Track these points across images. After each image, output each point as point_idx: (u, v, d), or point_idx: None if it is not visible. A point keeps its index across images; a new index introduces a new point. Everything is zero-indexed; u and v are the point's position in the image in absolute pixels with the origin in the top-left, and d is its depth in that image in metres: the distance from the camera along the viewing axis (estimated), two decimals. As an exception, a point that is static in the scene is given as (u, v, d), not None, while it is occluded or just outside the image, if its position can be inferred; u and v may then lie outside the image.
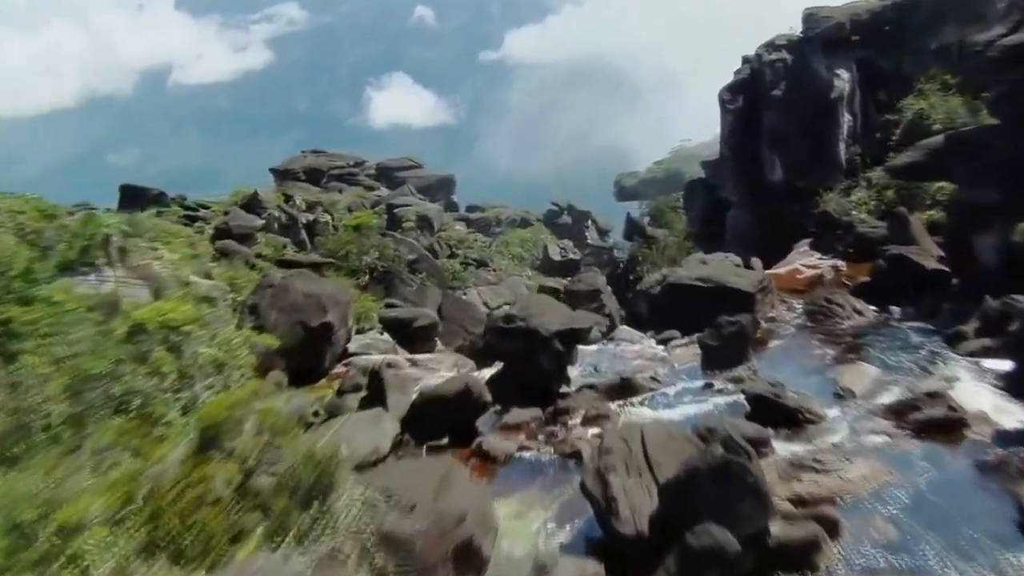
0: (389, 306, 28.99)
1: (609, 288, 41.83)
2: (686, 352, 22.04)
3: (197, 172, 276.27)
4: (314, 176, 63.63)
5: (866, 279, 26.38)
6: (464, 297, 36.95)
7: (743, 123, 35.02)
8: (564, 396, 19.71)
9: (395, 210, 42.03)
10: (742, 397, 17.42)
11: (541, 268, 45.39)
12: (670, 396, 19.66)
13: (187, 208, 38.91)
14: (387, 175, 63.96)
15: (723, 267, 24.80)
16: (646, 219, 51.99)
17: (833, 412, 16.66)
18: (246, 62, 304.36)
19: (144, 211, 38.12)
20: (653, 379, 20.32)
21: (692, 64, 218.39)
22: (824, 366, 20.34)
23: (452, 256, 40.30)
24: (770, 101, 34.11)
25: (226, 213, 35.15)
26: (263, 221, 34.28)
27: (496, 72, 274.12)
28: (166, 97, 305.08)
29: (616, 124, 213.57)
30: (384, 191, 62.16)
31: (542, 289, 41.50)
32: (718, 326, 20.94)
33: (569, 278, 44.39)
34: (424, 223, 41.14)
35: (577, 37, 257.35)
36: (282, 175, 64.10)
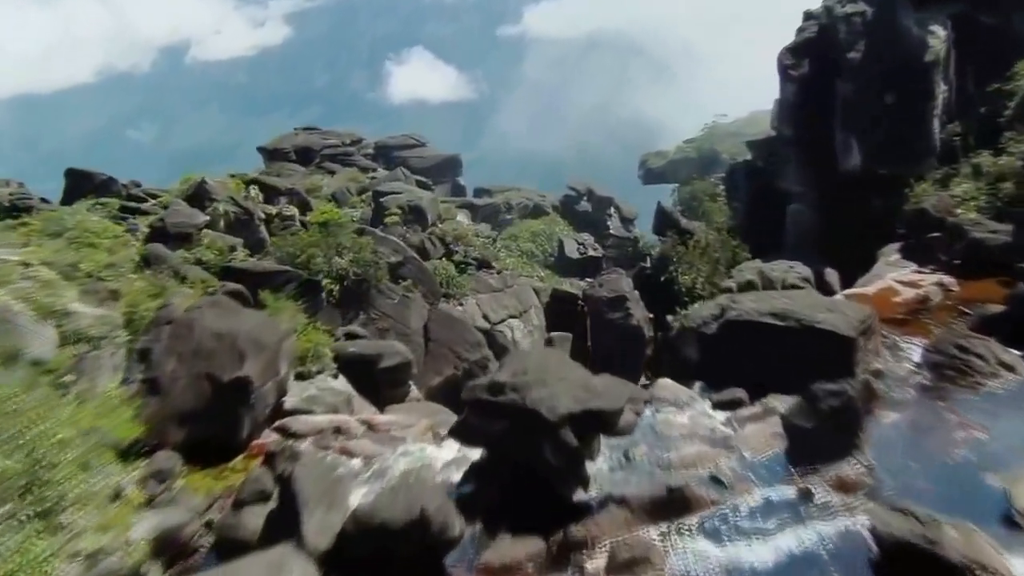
0: (349, 337, 21.74)
1: (637, 293, 34.47)
2: (761, 430, 14.63)
3: (216, 148, 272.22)
4: (305, 156, 56.54)
5: (996, 306, 18.80)
6: (460, 309, 29.74)
7: (809, 94, 27.24)
8: (580, 513, 12.65)
9: (382, 199, 34.93)
10: (859, 523, 11.30)
11: (556, 267, 38.06)
12: (744, 516, 12.50)
13: (134, 199, 31.87)
14: (385, 155, 56.54)
15: (806, 299, 17.24)
16: (678, 208, 44.41)
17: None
18: (264, 38, 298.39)
19: (89, 200, 31.93)
20: (715, 481, 13.16)
21: (714, 35, 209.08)
22: (976, 462, 13.04)
23: (448, 255, 33.10)
24: (845, 66, 26.30)
25: (165, 207, 28.04)
26: (207, 217, 27.10)
27: (515, 47, 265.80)
28: (184, 73, 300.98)
29: (639, 99, 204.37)
30: (382, 172, 54.95)
31: (555, 297, 34.20)
32: (812, 397, 13.60)
33: (588, 280, 37.01)
34: (415, 215, 33.99)
35: (596, 10, 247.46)
36: (271, 155, 57.11)
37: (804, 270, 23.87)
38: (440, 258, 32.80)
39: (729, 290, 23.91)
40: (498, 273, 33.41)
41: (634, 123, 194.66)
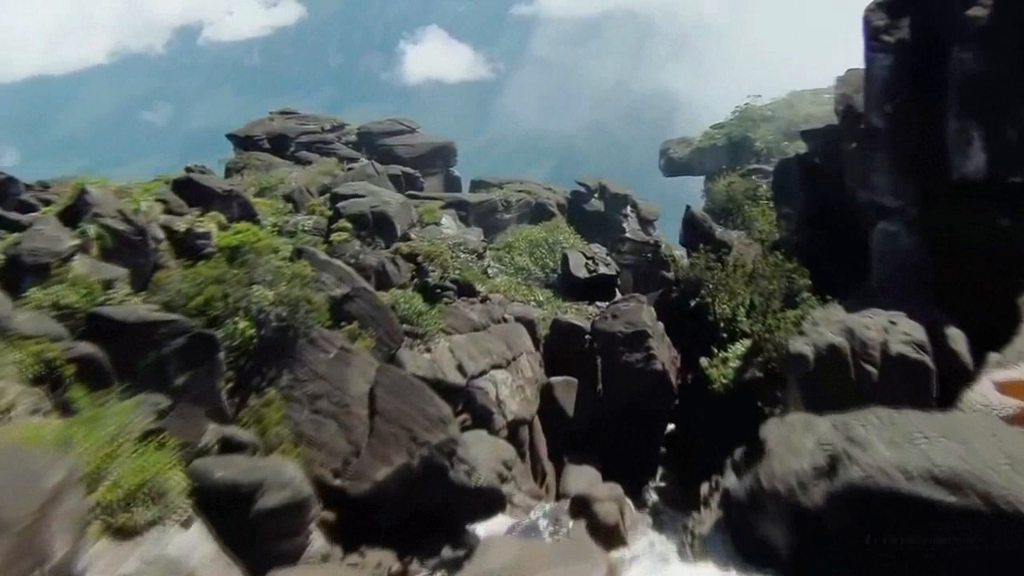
0: (226, 448, 13.93)
1: (660, 327, 26.45)
2: None
3: (230, 130, 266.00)
4: (280, 143, 48.66)
5: None
6: (427, 356, 21.84)
7: (911, 68, 18.84)
8: None
9: (340, 205, 27.05)
10: None
11: (559, 287, 29.95)
12: None
13: (27, 208, 24.42)
14: (369, 142, 48.58)
15: (982, 436, 9.20)
16: (709, 208, 36.23)
17: None
18: (278, 18, 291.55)
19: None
20: None
21: (735, 6, 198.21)
22: None
23: (420, 276, 25.22)
24: (966, 28, 17.93)
25: (26, 227, 20.27)
26: (76, 242, 19.29)
27: (529, 25, 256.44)
28: (198, 54, 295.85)
29: (657, 76, 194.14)
30: (365, 162, 47.05)
31: (557, 329, 26.24)
32: None
33: (599, 306, 28.95)
34: (379, 226, 26.11)
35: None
36: (242, 142, 49.26)
37: (912, 328, 15.76)
38: (406, 284, 24.87)
39: (802, 360, 15.89)
40: (482, 301, 25.39)
41: (653, 101, 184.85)
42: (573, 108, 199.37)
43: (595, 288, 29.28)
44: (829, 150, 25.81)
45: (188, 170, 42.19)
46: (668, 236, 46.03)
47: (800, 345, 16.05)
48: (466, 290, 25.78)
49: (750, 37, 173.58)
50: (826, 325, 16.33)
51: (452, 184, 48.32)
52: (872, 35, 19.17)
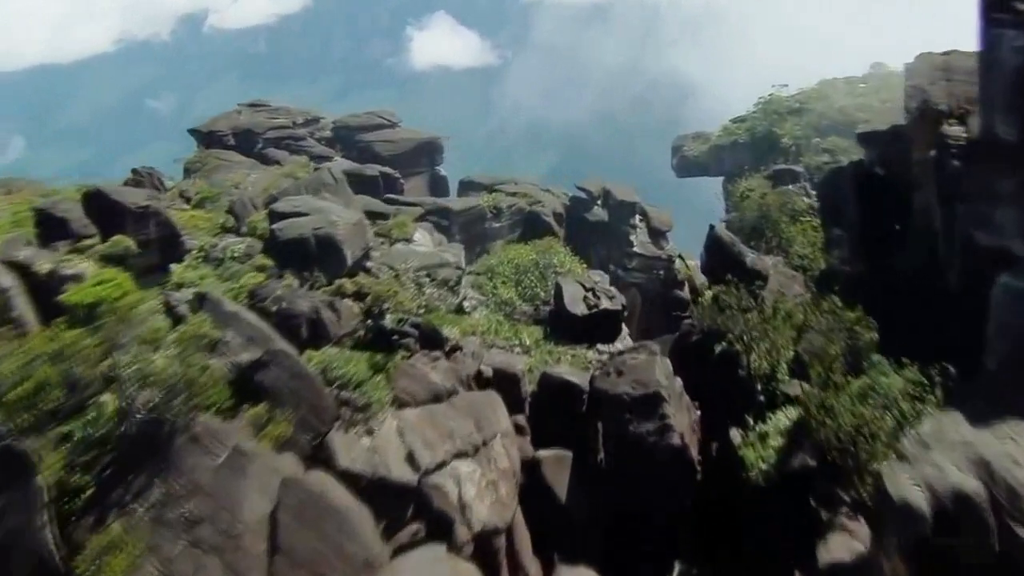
0: None
1: (678, 384, 20.44)
2: None
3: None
4: (246, 139, 42.83)
5: None
6: (367, 443, 15.99)
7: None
8: None
9: (277, 226, 21.05)
10: None
11: (552, 323, 23.72)
12: None
13: None
14: (346, 138, 42.68)
15: None
16: (726, 219, 30.14)
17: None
18: (283, 5, 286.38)
19: None
20: None
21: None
22: None
23: (372, 319, 19.32)
24: None
25: None
26: None
27: (537, 10, 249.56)
28: (203, 42, 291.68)
29: (666, 62, 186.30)
30: (340, 160, 41.19)
31: (547, 387, 20.30)
32: None
33: (600, 349, 22.93)
34: (324, 253, 20.15)
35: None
36: (206, 138, 43.46)
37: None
38: (352, 334, 18.93)
39: (912, 515, 9.89)
40: (450, 354, 19.40)
41: (663, 88, 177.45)
42: (580, 96, 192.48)
43: (596, 327, 23.25)
44: (894, 158, 19.67)
45: (135, 173, 36.50)
46: (681, 244, 40.02)
47: (905, 490, 10.11)
48: (430, 338, 19.78)
49: (770, 17, 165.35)
50: (943, 450, 10.40)
51: (438, 185, 42.31)
52: (995, 3, 12.99)
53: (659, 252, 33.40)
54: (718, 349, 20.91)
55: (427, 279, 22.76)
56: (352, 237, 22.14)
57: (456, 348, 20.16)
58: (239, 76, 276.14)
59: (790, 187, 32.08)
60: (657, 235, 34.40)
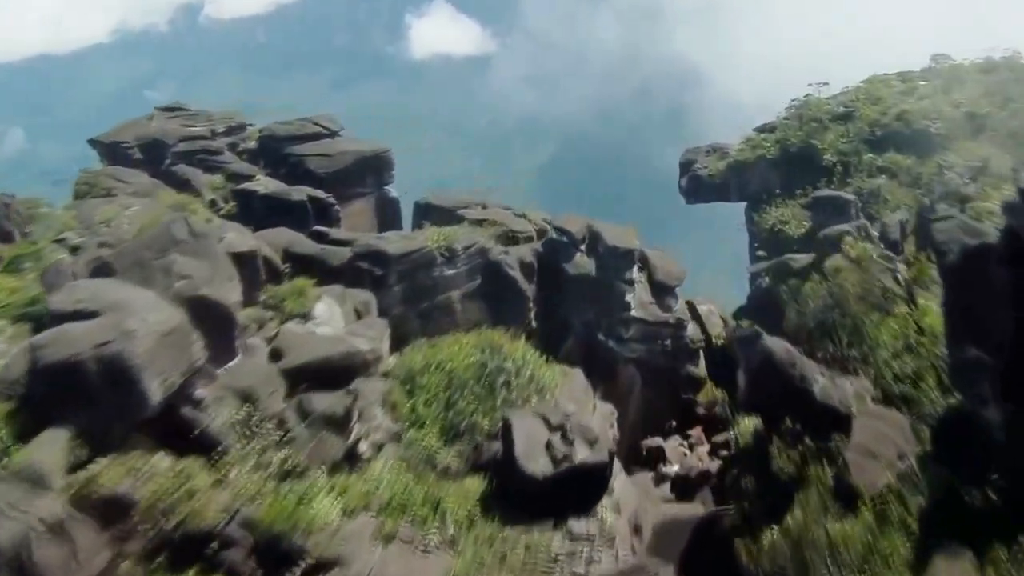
0: None
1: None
2: None
3: (235, 109, 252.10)
4: (154, 153, 33.74)
5: None
6: None
7: None
8: None
9: (39, 343, 12.28)
10: None
11: (498, 482, 14.15)
12: None
13: None
14: (273, 151, 33.44)
15: None
16: (752, 273, 20.86)
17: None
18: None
19: None
20: None
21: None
22: None
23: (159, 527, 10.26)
24: None
25: None
26: None
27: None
28: (200, 32, 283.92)
29: (670, 48, 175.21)
30: (262, 180, 32.13)
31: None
32: None
33: (571, 530, 13.78)
34: (113, 387, 11.14)
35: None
36: (109, 152, 34.36)
37: None
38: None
39: None
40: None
41: (666, 78, 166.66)
42: (578, 85, 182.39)
43: (565, 492, 14.13)
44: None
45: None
46: (692, 275, 30.76)
47: None
48: (272, 553, 10.64)
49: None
50: None
51: (387, 210, 33.07)
52: None
53: (665, 316, 24.16)
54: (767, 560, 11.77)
55: (301, 420, 13.57)
56: (161, 356, 12.96)
57: (322, 568, 11.02)
58: (238, 66, 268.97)
59: (847, 230, 22.65)
60: (663, 291, 25.01)
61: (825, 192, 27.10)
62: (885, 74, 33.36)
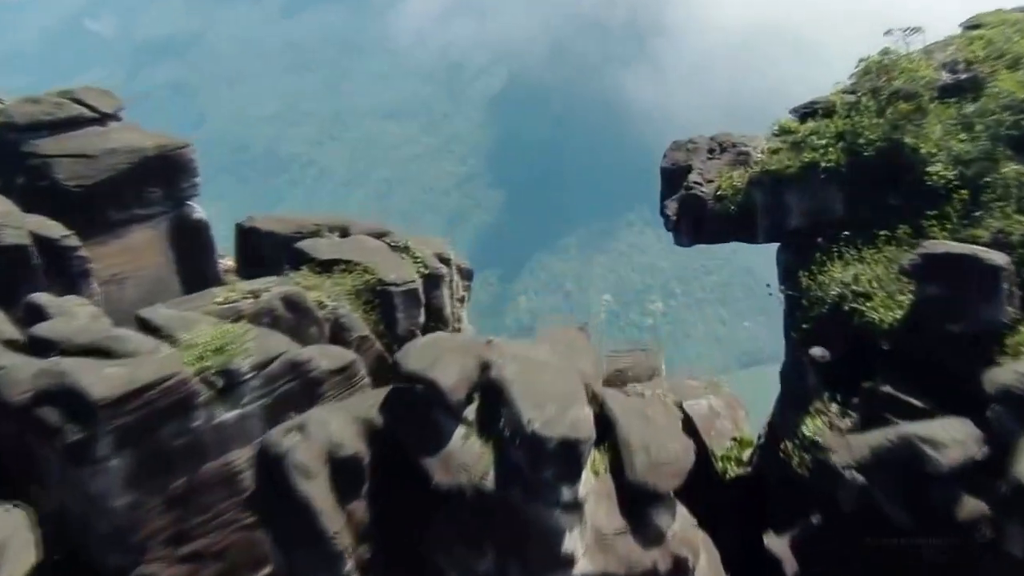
0: None
1: None
2: None
3: (182, 38, 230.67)
4: None
5: None
6: None
7: None
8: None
9: None
10: None
11: None
12: None
13: None
14: (7, 149, 19.65)
15: None
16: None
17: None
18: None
19: None
20: None
21: None
22: None
23: None
24: None
25: None
26: None
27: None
28: None
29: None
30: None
31: None
32: None
33: None
34: None
35: None
36: None
37: None
38: None
39: None
40: None
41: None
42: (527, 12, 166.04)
43: None
44: None
45: None
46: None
47: None
48: None
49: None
50: None
51: (190, 240, 19.78)
52: None
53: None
54: None
55: None
56: None
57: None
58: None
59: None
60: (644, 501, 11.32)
61: (943, 248, 13.69)
62: (1010, 9, 18.69)
